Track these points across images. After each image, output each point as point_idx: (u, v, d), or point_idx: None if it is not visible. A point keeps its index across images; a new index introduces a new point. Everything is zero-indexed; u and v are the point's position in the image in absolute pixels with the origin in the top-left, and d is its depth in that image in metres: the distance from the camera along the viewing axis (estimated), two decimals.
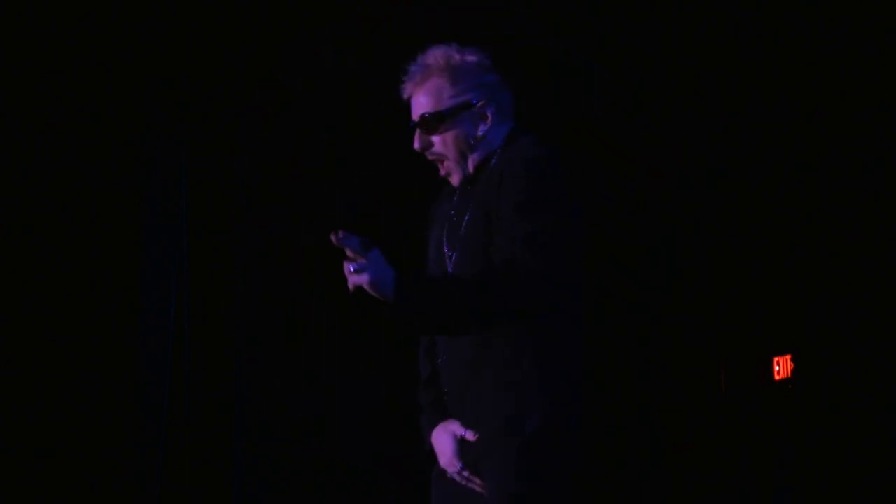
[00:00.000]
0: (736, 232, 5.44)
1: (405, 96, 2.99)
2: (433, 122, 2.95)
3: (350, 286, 2.66)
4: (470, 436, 2.85)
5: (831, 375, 5.25)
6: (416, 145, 2.99)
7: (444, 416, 2.93)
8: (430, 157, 3.01)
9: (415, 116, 2.98)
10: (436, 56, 2.97)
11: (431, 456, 2.97)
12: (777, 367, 5.40)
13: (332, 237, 2.61)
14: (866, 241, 5.20)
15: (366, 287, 2.63)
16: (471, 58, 2.98)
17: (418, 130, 2.98)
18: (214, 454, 4.97)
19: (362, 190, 5.21)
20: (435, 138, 2.97)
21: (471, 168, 2.97)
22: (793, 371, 5.38)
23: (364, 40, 5.19)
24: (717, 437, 5.37)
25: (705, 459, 5.33)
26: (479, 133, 2.96)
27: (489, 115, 2.96)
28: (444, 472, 2.93)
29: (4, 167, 4.61)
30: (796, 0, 5.24)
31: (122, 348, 4.76)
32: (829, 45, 5.22)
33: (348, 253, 2.65)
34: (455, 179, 3.01)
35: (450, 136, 2.96)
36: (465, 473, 2.87)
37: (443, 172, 3.03)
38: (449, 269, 2.95)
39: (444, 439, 2.91)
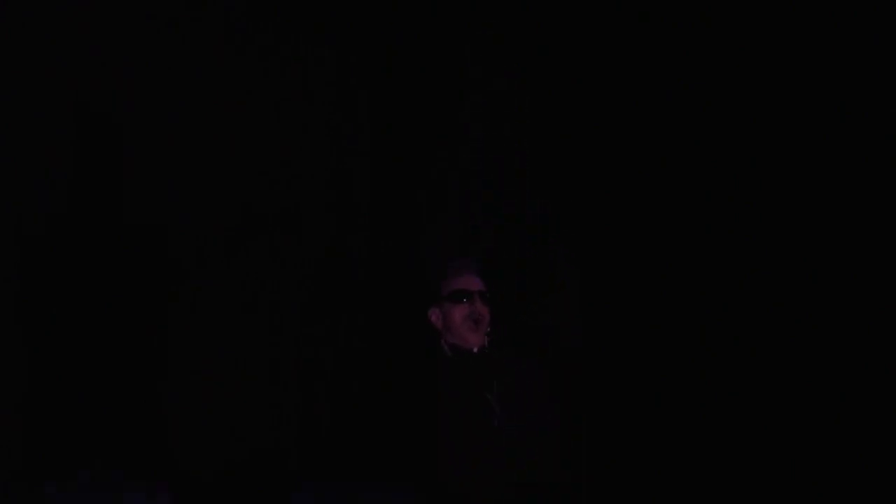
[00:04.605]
0: (737, 232, 5.45)
1: (468, 273, 3.89)
2: (486, 296, 3.88)
3: None
4: None
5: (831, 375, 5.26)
6: (482, 308, 3.85)
7: None
8: (476, 318, 3.83)
9: (481, 288, 3.88)
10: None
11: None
12: None
13: None
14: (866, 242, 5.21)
15: None
16: None
17: (480, 299, 3.85)
18: None
19: None
20: (486, 308, 3.87)
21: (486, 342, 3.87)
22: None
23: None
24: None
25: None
26: None
27: None
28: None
29: None
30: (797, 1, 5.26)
31: None
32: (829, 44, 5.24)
33: None
34: (478, 346, 3.85)
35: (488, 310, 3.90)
36: None
37: (479, 339, 3.84)
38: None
39: None
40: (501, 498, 3.70)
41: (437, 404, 3.74)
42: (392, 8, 5.55)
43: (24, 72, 4.77)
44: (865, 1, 5.15)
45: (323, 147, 5.38)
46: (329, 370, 5.33)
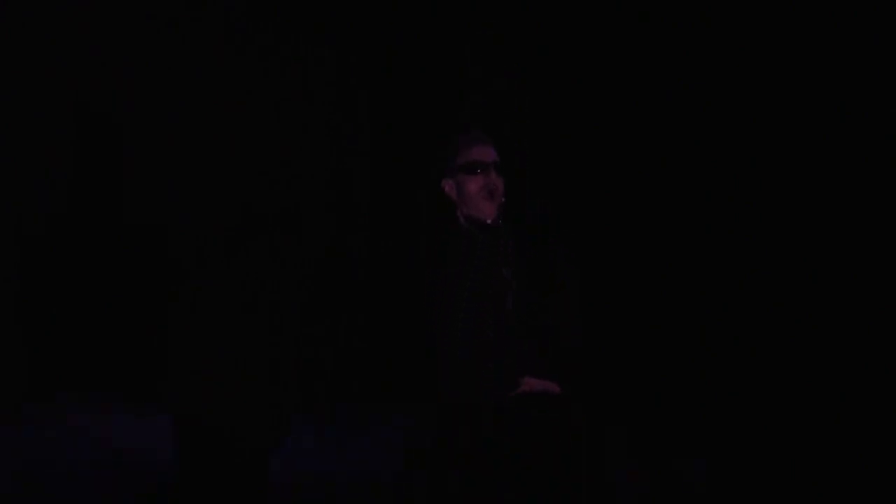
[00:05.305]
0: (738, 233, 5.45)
1: (482, 143, 3.82)
2: (500, 167, 3.82)
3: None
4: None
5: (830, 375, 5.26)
6: (496, 179, 3.80)
7: None
8: (491, 189, 3.78)
9: (495, 159, 3.82)
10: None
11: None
12: None
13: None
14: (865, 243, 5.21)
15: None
16: None
17: (495, 170, 3.79)
18: None
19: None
20: (500, 180, 3.82)
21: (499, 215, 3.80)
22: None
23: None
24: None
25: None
26: None
27: None
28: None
29: None
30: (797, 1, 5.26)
31: None
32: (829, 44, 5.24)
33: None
34: (492, 217, 3.81)
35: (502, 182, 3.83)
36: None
37: (494, 210, 3.80)
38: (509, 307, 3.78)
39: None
40: (505, 380, 3.71)
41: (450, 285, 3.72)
42: (392, 8, 5.55)
43: (24, 72, 4.78)
44: (865, 1, 5.15)
45: (323, 147, 5.39)
46: (329, 370, 5.33)
